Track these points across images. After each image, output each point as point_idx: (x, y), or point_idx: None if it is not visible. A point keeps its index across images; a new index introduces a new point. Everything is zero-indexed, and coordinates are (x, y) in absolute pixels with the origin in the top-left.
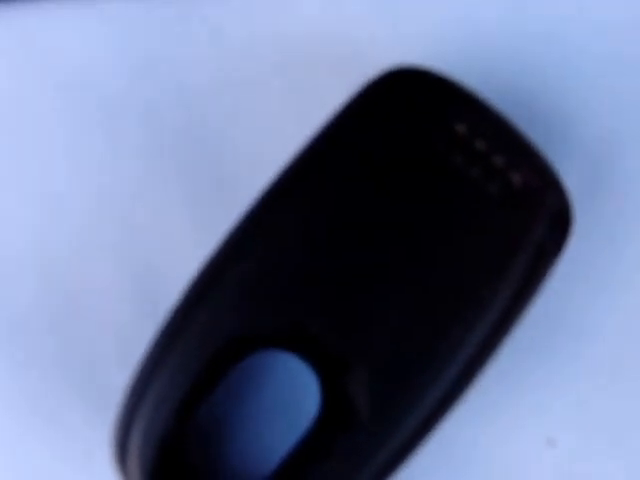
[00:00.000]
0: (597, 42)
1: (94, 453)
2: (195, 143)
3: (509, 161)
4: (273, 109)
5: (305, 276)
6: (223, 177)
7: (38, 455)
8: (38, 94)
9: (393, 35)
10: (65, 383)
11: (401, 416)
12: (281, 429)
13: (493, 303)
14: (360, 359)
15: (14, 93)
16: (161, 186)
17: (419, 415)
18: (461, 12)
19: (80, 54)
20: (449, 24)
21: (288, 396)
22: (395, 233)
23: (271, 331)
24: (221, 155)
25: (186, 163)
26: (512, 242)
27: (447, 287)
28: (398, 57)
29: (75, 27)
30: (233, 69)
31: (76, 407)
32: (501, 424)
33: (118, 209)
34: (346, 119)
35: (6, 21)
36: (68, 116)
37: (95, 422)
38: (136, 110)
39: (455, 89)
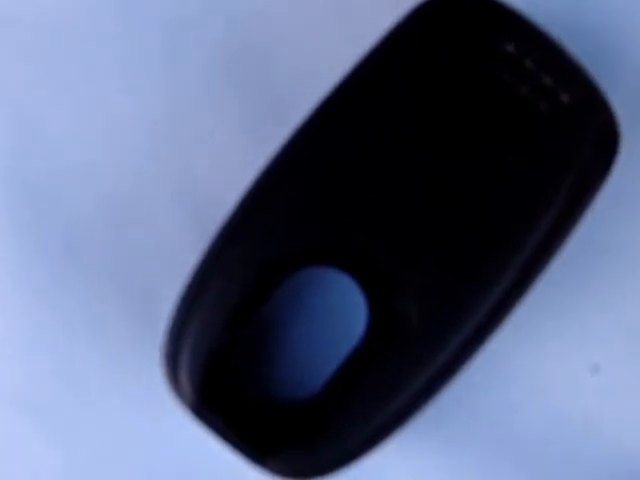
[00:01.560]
0: None
1: (144, 367)
2: (249, 64)
3: (557, 80)
4: (323, 29)
5: (355, 195)
6: (277, 97)
7: (89, 368)
8: (102, 11)
9: None
10: (119, 298)
11: (448, 333)
12: (330, 345)
13: (541, 223)
14: (408, 276)
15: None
16: (217, 106)
17: (466, 333)
18: None
19: None
20: None
21: (337, 313)
22: (445, 152)
23: (320, 248)
24: (274, 75)
25: (240, 83)
26: (561, 159)
27: (497, 207)
28: None
29: None
30: None
31: (128, 322)
32: (546, 348)
33: (175, 129)
34: (395, 40)
35: None
36: (127, 35)
37: (145, 338)
38: (193, 33)
39: (502, 9)
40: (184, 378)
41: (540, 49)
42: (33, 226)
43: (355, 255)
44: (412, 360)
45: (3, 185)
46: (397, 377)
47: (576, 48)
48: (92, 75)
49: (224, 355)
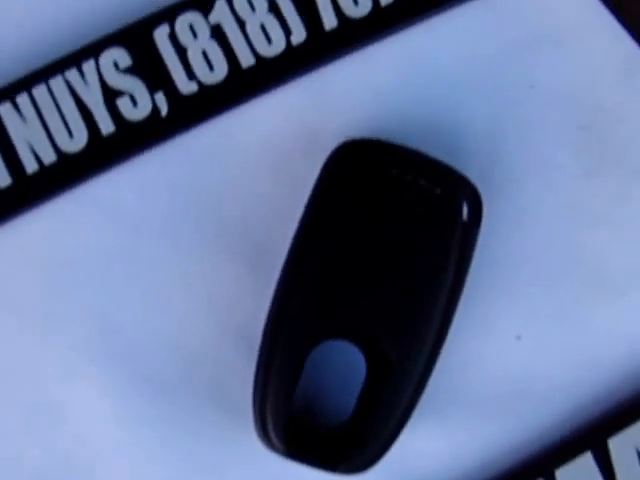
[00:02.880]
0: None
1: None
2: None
3: (432, 181)
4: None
5: (339, 289)
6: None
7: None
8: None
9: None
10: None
11: (416, 359)
12: (347, 387)
13: (450, 269)
14: (383, 330)
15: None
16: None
17: (426, 352)
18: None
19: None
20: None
21: (346, 367)
22: (378, 249)
23: (331, 328)
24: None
25: (226, 240)
26: (449, 226)
27: (420, 267)
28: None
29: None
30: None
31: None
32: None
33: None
34: (323, 188)
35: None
36: None
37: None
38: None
39: (380, 145)
40: (274, 437)
41: (418, 164)
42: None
43: (347, 325)
44: (399, 382)
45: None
46: (394, 394)
47: (438, 152)
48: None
49: (291, 414)
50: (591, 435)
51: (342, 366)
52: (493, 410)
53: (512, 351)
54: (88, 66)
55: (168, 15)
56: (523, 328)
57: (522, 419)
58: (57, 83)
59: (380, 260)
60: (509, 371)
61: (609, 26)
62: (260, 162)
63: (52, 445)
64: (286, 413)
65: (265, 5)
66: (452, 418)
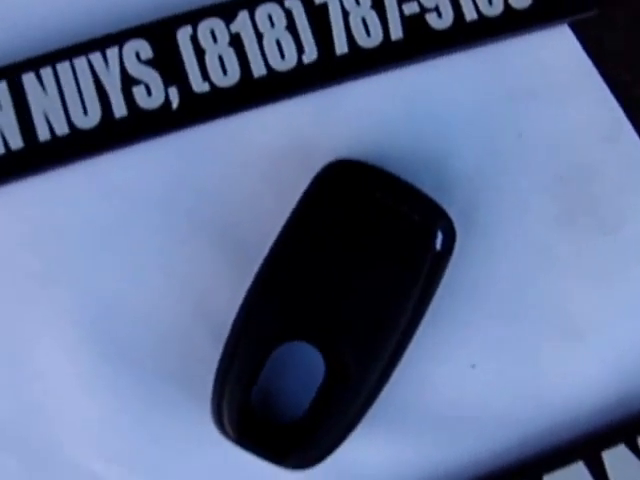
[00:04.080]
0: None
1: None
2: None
3: (412, 208)
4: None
5: (307, 297)
6: (241, 241)
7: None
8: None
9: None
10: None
11: (372, 368)
12: (305, 388)
13: (414, 289)
14: (344, 340)
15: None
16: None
17: (382, 365)
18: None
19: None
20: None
21: (306, 369)
22: (351, 264)
23: (294, 330)
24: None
25: (207, 238)
26: (422, 253)
27: (388, 286)
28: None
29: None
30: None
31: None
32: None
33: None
34: (308, 204)
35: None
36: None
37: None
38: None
39: (368, 168)
40: (227, 425)
41: (399, 190)
42: None
43: (310, 330)
44: (353, 389)
45: None
46: (348, 399)
47: (423, 184)
48: None
49: (247, 406)
50: (528, 470)
51: (304, 368)
52: (440, 432)
53: (466, 378)
54: (112, 52)
55: (193, 18)
56: (479, 358)
57: (466, 444)
58: (80, 63)
59: (351, 275)
60: (460, 397)
61: (600, 89)
62: (256, 166)
63: (17, 397)
64: (242, 403)
65: (284, 23)
66: (400, 434)
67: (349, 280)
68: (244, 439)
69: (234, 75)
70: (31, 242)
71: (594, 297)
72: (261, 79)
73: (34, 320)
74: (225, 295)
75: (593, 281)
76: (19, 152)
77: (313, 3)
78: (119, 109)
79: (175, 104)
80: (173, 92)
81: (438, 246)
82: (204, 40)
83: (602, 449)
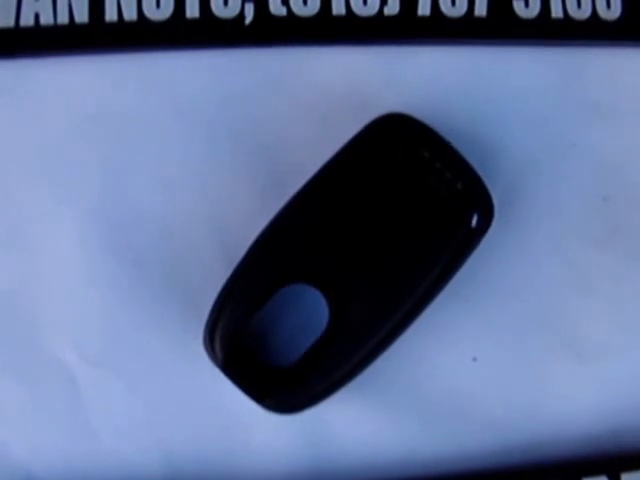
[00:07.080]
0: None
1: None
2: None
3: (458, 176)
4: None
5: (329, 242)
6: (279, 173)
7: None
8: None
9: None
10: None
11: (377, 325)
12: (306, 332)
13: (440, 260)
14: (354, 290)
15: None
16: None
17: (388, 326)
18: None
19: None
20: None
21: (310, 313)
22: (381, 218)
23: (302, 272)
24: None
25: (246, 161)
26: (457, 223)
27: (413, 250)
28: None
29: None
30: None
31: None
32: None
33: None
34: (354, 149)
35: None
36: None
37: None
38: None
39: (423, 128)
40: (217, 348)
41: (446, 155)
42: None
43: (323, 276)
44: (352, 345)
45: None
46: (342, 355)
47: (467, 151)
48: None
49: (241, 336)
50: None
51: (309, 316)
52: (425, 416)
53: (464, 369)
54: None
55: None
56: (482, 352)
57: (448, 433)
58: None
59: (379, 229)
60: (453, 387)
61: None
62: (312, 104)
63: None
64: (237, 328)
65: None
66: (383, 409)
67: (375, 233)
68: (230, 366)
69: (314, 7)
70: (60, 124)
71: (609, 322)
72: (339, 18)
73: (46, 200)
74: (248, 222)
75: (613, 307)
76: (83, 26)
77: None
78: (191, 10)
79: (248, 20)
80: (249, 8)
81: (474, 223)
82: None
83: (584, 475)
